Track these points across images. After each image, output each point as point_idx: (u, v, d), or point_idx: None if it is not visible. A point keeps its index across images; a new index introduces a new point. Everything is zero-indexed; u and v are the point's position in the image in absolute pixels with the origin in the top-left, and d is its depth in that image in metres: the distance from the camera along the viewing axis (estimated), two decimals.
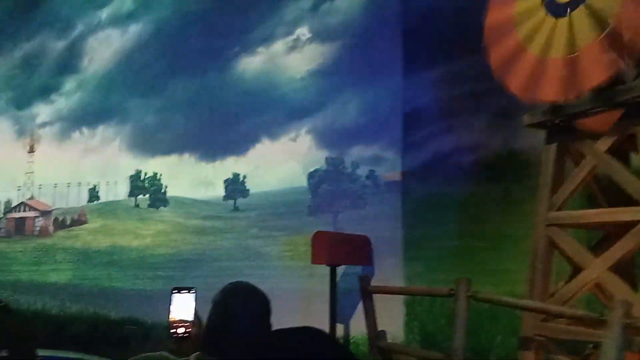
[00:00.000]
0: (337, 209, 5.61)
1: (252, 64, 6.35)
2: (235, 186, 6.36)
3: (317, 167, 5.77)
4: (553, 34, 3.25)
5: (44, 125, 8.05)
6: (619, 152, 3.23)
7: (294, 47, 6.05)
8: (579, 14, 3.09)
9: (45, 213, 7.81)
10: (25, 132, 8.21)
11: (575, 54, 3.07)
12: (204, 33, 6.63)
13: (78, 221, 7.51)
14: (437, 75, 5.06)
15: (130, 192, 7.17)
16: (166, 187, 6.92)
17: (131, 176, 7.15)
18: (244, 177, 6.32)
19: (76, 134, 7.72)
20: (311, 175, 5.80)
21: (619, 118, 3.15)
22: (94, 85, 7.66)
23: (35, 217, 7.89)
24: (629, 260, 3.21)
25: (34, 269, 7.57)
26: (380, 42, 5.35)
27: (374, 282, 4.52)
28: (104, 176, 7.41)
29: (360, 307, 4.72)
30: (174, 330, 1.79)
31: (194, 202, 6.73)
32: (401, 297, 4.86)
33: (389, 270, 5.02)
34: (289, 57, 6.11)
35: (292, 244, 5.78)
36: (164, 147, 6.94)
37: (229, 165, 6.40)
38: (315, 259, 4.65)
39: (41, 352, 2.15)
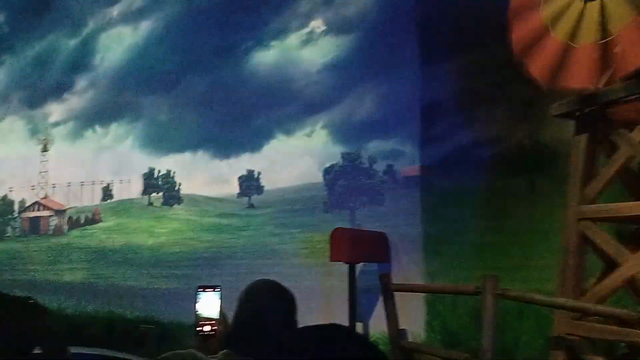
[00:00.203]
0: (354, 205, 5.49)
1: (265, 58, 6.24)
2: (249, 183, 6.26)
3: (333, 162, 5.65)
4: (581, 18, 3.10)
5: (57, 124, 8.02)
6: None
7: (308, 40, 5.93)
8: None
9: (59, 212, 7.79)
10: (39, 132, 8.19)
11: (610, 38, 2.92)
12: (217, 28, 6.53)
13: (92, 220, 7.48)
14: (456, 66, 4.91)
15: (143, 190, 7.11)
16: (180, 185, 6.85)
17: (144, 174, 7.09)
18: (259, 173, 6.22)
19: (89, 133, 7.68)
20: (327, 171, 5.68)
21: None
22: (106, 83, 7.61)
23: (50, 216, 7.88)
24: None
25: (49, 268, 7.56)
26: (397, 33, 5.20)
27: (393, 280, 4.40)
28: (117, 174, 7.35)
29: (379, 305, 4.61)
30: (200, 328, 1.80)
31: (208, 200, 6.65)
32: (422, 295, 4.74)
33: (408, 268, 4.90)
34: (303, 50, 5.99)
35: (309, 241, 5.68)
36: (178, 145, 6.87)
37: (244, 162, 6.30)
38: (334, 256, 4.54)
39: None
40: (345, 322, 4.54)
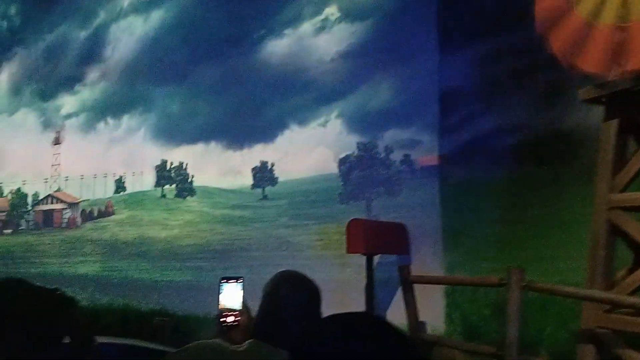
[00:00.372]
0: (370, 196, 5.39)
1: (278, 47, 6.13)
2: (263, 174, 6.18)
3: (348, 152, 5.54)
4: None
5: (69, 116, 7.99)
6: None
7: (322, 28, 5.81)
8: None
9: (72, 205, 7.77)
10: (51, 124, 8.17)
11: (629, 23, 2.79)
12: (228, 17, 6.42)
13: (105, 213, 7.45)
14: (476, 52, 4.77)
15: (156, 182, 7.06)
16: (193, 177, 6.78)
17: (157, 166, 7.04)
18: (272, 164, 6.13)
19: (101, 125, 7.63)
20: (342, 162, 5.57)
21: None
22: (117, 74, 7.55)
23: (63, 209, 7.87)
24: None
25: (62, 261, 7.55)
26: (414, 19, 5.07)
27: (412, 272, 4.31)
28: (129, 167, 7.31)
29: (396, 298, 4.52)
30: (224, 319, 1.80)
31: (221, 192, 6.58)
32: (441, 287, 4.64)
33: (426, 260, 4.80)
34: (317, 38, 5.87)
35: (324, 233, 5.59)
36: (190, 136, 6.79)
37: (257, 153, 6.21)
38: (351, 248, 4.45)
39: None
40: None
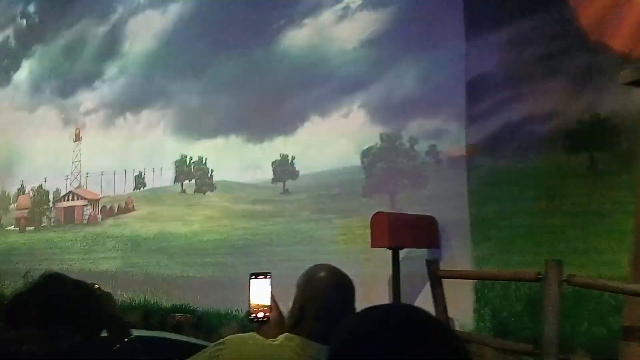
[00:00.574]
0: (395, 188, 5.24)
1: (298, 37, 5.99)
2: (284, 168, 6.07)
3: (371, 144, 5.39)
4: None
5: (88, 113, 7.98)
6: None
7: (343, 16, 5.65)
8: None
9: (93, 201, 7.77)
10: (71, 121, 8.18)
11: None
12: (246, 7, 6.31)
13: (125, 209, 7.43)
14: (504, 37, 4.57)
15: (175, 177, 7.01)
16: (212, 172, 6.71)
17: (176, 161, 6.98)
18: (293, 158, 6.02)
19: (120, 121, 7.60)
20: (365, 154, 5.43)
21: None
22: (135, 69, 7.51)
23: (84, 205, 7.87)
24: None
25: (84, 257, 7.56)
26: (438, 4, 4.89)
27: (440, 267, 4.15)
28: (149, 162, 7.27)
29: (422, 293, 4.38)
30: (254, 315, 1.85)
31: (242, 186, 6.49)
32: (469, 281, 4.48)
33: (455, 253, 4.65)
34: (338, 27, 5.71)
35: (347, 227, 5.46)
36: (209, 130, 6.71)
37: (277, 146, 6.10)
38: (375, 242, 4.31)
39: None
40: None
